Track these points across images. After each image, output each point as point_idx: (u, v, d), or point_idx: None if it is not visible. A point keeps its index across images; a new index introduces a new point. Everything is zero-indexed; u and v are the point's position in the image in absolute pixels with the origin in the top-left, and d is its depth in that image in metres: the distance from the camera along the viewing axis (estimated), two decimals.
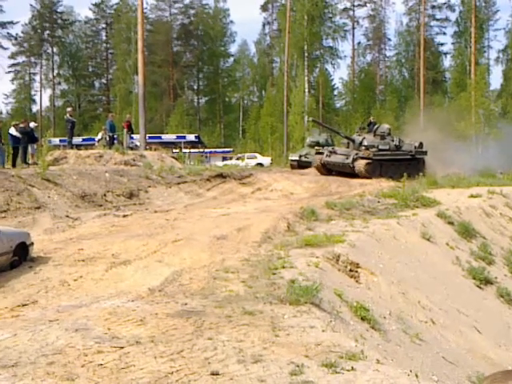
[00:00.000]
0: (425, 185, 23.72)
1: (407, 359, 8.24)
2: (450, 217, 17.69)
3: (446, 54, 74.03)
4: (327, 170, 28.25)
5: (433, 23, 73.72)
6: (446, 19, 72.64)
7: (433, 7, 72.76)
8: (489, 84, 59.63)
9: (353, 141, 28.14)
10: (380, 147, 27.42)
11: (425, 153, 29.09)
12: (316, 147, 30.28)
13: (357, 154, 26.89)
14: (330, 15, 67.95)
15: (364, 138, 28.01)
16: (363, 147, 27.32)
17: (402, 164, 27.66)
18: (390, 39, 78.89)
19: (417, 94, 61.23)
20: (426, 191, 21.58)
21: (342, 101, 74.40)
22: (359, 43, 76.71)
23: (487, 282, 14.24)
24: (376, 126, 29.66)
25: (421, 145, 28.90)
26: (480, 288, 13.97)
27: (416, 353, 8.78)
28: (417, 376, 6.06)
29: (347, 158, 27.06)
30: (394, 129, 35.58)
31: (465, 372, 9.10)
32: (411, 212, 17.62)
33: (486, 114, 53.45)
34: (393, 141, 28.28)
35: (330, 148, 28.77)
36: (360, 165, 26.47)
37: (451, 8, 71.34)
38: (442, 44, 74.94)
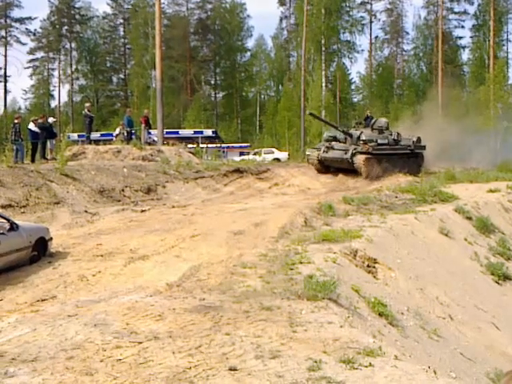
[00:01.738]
0: (443, 180, 23.60)
1: (425, 355, 8.22)
2: (468, 212, 17.58)
3: (464, 47, 73.34)
4: (324, 166, 27.39)
5: (451, 16, 73.09)
6: (465, 12, 72.04)
7: (451, 0, 72.10)
8: (507, 77, 59.00)
9: (350, 135, 27.12)
10: (379, 141, 26.60)
11: (423, 147, 28.45)
12: (333, 142, 29.67)
13: (355, 148, 26.04)
14: (348, 9, 67.58)
15: (362, 132, 27.03)
16: (361, 142, 26.40)
17: (401, 159, 27.09)
18: (407, 33, 78.22)
19: (435, 87, 60.68)
20: (444, 186, 21.47)
21: (359, 95, 74.06)
22: (377, 37, 76.20)
23: (506, 277, 14.15)
24: (373, 121, 28.71)
25: (419, 139, 28.22)
26: (498, 284, 13.89)
27: (434, 349, 8.75)
28: (435, 372, 6.04)
29: (346, 153, 26.19)
30: (411, 123, 35.36)
31: (483, 368, 9.06)
32: (429, 207, 17.55)
33: (504, 107, 52.95)
34: (391, 135, 27.49)
35: (326, 143, 27.69)
36: (359, 160, 25.60)
37: (470, 1, 70.70)
38: (460, 37, 74.26)
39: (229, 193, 22.50)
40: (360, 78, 72.86)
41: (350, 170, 26.37)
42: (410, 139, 27.86)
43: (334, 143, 27.46)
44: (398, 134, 27.79)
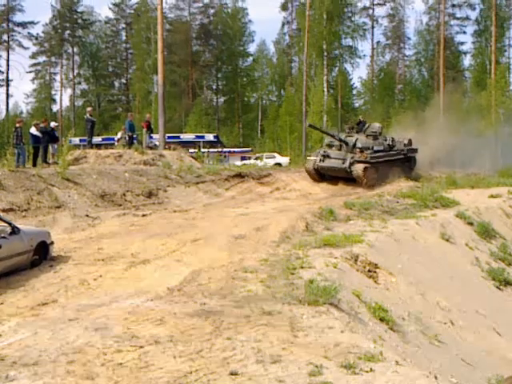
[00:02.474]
0: (444, 185, 23.60)
1: (426, 360, 8.21)
2: (469, 217, 17.57)
3: (465, 53, 73.24)
4: (320, 175, 26.61)
5: (453, 22, 73.03)
6: (467, 18, 71.95)
7: (453, 6, 72.05)
8: (509, 83, 58.97)
9: (346, 143, 26.25)
10: (375, 148, 26.01)
11: (415, 150, 28.23)
12: (329, 150, 29.02)
13: (352, 157, 25.31)
14: (350, 14, 67.49)
15: (357, 139, 26.16)
16: (357, 149, 25.64)
17: (396, 164, 26.80)
18: (409, 38, 78.20)
19: (436, 93, 60.66)
20: (445, 191, 21.46)
21: (360, 100, 73.95)
22: (378, 42, 76.17)
23: (507, 283, 14.14)
24: (367, 126, 27.98)
25: (410, 142, 28.02)
26: (499, 289, 13.88)
27: (435, 354, 8.74)
28: (436, 377, 6.04)
29: (343, 163, 25.44)
30: (411, 128, 35.32)
31: (484, 374, 9.05)
32: (430, 212, 17.55)
33: (506, 113, 52.91)
34: (386, 140, 27.09)
35: (322, 151, 26.80)
36: (358, 169, 24.94)
37: (471, 6, 70.67)
38: (462, 43, 74.16)
39: (230, 197, 22.48)
40: (361, 83, 72.86)
41: (346, 179, 25.86)
42: (402, 142, 27.65)
43: (329, 151, 26.68)
44: (393, 138, 27.52)
